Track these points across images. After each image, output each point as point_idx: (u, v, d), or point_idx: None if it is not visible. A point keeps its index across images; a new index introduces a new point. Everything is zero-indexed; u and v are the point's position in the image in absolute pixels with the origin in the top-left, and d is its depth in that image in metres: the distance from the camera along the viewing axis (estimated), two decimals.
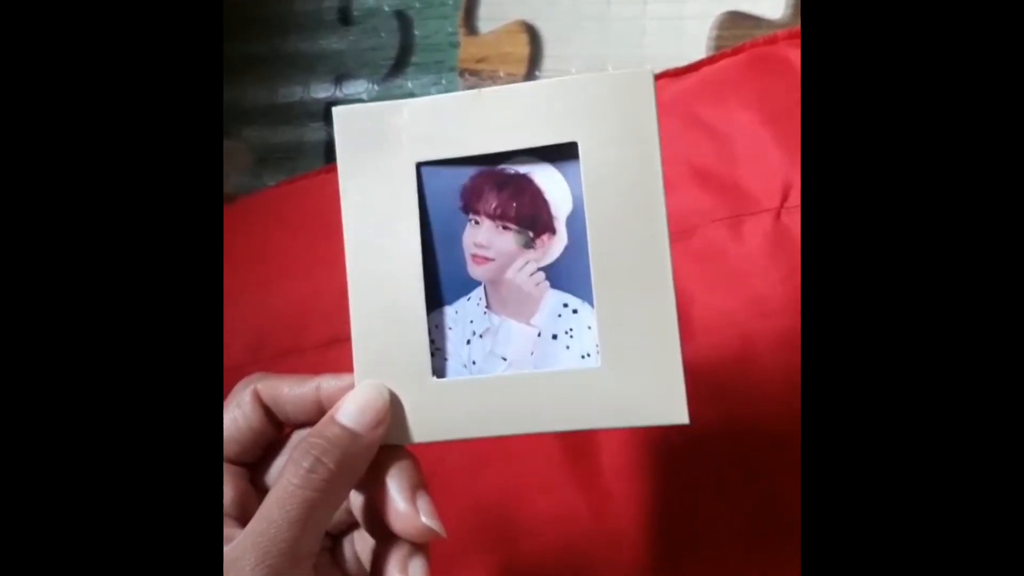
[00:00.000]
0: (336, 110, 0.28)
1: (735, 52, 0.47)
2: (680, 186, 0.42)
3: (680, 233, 0.41)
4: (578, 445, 0.39)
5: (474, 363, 0.28)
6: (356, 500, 0.29)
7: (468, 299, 0.28)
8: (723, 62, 0.47)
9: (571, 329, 0.28)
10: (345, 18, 0.58)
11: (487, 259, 0.28)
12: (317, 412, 0.28)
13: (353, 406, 0.27)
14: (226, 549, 0.25)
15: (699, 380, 0.38)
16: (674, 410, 0.26)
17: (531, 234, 0.28)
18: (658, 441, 0.38)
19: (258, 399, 0.29)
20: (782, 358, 0.39)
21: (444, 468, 0.38)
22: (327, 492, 0.25)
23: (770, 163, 0.42)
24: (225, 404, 0.29)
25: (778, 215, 0.41)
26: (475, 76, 0.55)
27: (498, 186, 0.28)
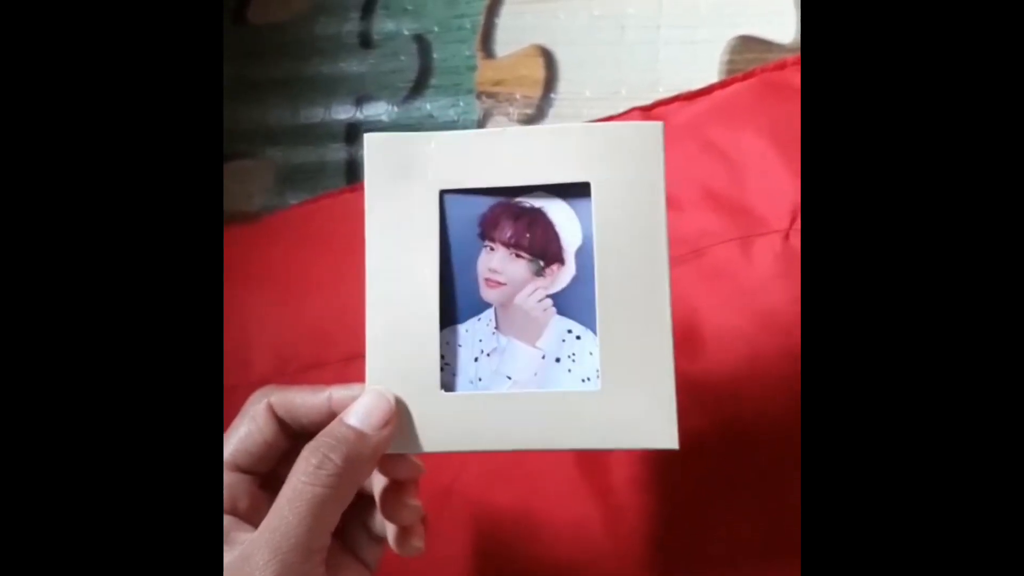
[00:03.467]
0: (368, 136, 0.30)
1: (746, 77, 0.47)
2: (692, 207, 0.43)
3: (692, 253, 0.42)
4: (592, 459, 0.39)
5: (480, 380, 0.29)
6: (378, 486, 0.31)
7: (479, 319, 0.30)
8: (734, 87, 0.47)
9: (574, 354, 0.29)
10: (366, 42, 0.59)
11: (499, 283, 0.30)
12: (329, 419, 0.29)
13: (360, 408, 0.28)
14: (242, 548, 0.26)
15: (709, 397, 0.38)
16: (665, 436, 0.28)
17: (542, 263, 0.29)
18: (668, 456, 0.38)
19: (272, 412, 0.30)
20: (791, 375, 0.39)
21: (463, 480, 0.40)
22: (334, 488, 0.27)
23: (779, 186, 0.42)
24: (239, 418, 0.31)
25: (787, 236, 0.41)
26: (492, 98, 0.56)
27: (514, 217, 0.30)
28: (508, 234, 0.30)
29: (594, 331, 0.29)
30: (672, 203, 0.44)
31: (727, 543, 0.38)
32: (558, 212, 0.29)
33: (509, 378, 0.29)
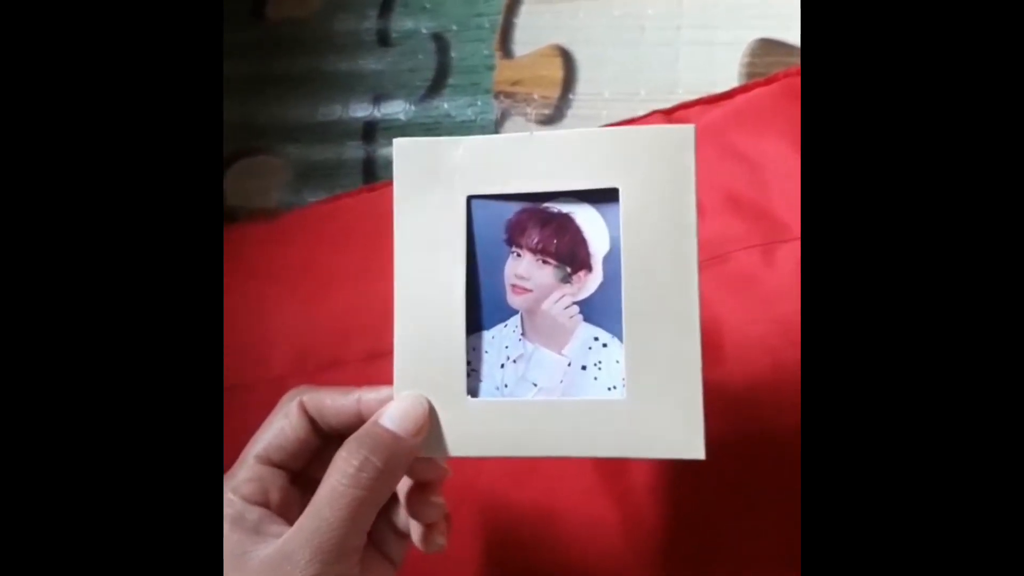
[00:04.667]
0: (396, 141, 0.30)
1: (768, 81, 0.47)
2: (714, 213, 0.43)
3: (714, 259, 0.42)
4: (611, 462, 0.39)
5: (506, 386, 0.29)
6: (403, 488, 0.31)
7: (505, 326, 0.30)
8: (756, 91, 0.47)
9: (600, 362, 0.29)
10: (384, 40, 0.59)
11: (526, 290, 0.29)
12: (357, 422, 0.29)
13: (396, 411, 0.28)
14: (278, 543, 0.27)
15: (728, 403, 0.38)
16: (692, 446, 0.28)
17: (569, 270, 0.29)
18: (688, 462, 0.38)
19: (304, 410, 0.30)
20: None
21: (482, 480, 0.40)
22: (373, 491, 0.27)
23: None
24: (273, 414, 0.31)
25: None
26: (510, 98, 0.55)
27: (541, 223, 0.29)
28: (535, 240, 0.29)
29: (621, 339, 0.28)
30: None
31: (743, 550, 0.38)
32: (586, 218, 0.29)
33: (535, 385, 0.29)
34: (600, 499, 0.39)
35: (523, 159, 0.29)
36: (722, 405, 0.38)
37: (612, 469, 0.39)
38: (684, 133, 0.28)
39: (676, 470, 0.39)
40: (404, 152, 0.30)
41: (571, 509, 0.39)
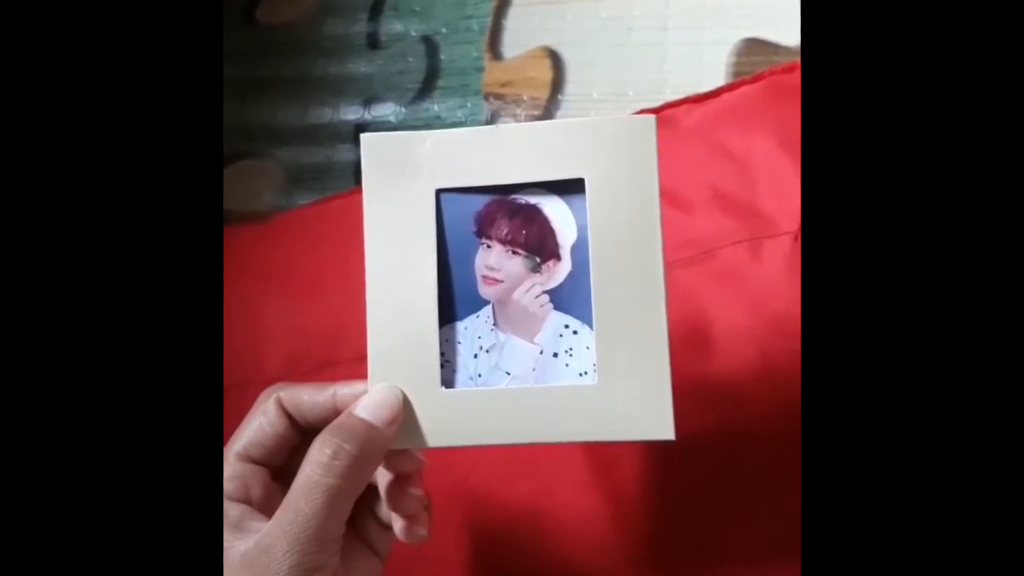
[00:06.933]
0: (364, 137, 0.30)
1: (755, 79, 0.47)
2: (702, 209, 0.43)
3: (701, 255, 0.42)
4: (601, 457, 0.39)
5: (480, 376, 0.30)
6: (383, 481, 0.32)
7: (477, 316, 0.30)
8: (743, 89, 0.47)
9: (571, 348, 0.29)
10: (374, 43, 0.59)
11: (496, 280, 0.30)
12: (334, 416, 0.29)
13: (371, 402, 0.29)
14: (256, 538, 0.27)
15: (717, 397, 0.38)
16: (662, 427, 0.28)
17: (538, 259, 0.30)
18: (677, 455, 0.38)
19: (281, 406, 0.31)
20: (798, 377, 0.39)
21: (475, 477, 0.40)
22: (347, 479, 0.27)
23: (788, 187, 0.42)
24: (251, 412, 0.31)
25: (796, 238, 0.41)
26: (499, 100, 0.56)
27: (510, 214, 0.30)
28: (504, 231, 0.30)
29: (591, 326, 0.29)
30: (682, 204, 0.44)
31: (733, 542, 0.38)
32: (553, 208, 0.30)
33: (508, 374, 0.30)
34: (591, 494, 0.39)
35: (490, 152, 0.29)
36: (711, 398, 0.39)
37: (602, 464, 0.39)
38: (645, 123, 0.29)
39: (664, 464, 0.39)
40: (372, 147, 0.30)
41: (562, 505, 0.39)
